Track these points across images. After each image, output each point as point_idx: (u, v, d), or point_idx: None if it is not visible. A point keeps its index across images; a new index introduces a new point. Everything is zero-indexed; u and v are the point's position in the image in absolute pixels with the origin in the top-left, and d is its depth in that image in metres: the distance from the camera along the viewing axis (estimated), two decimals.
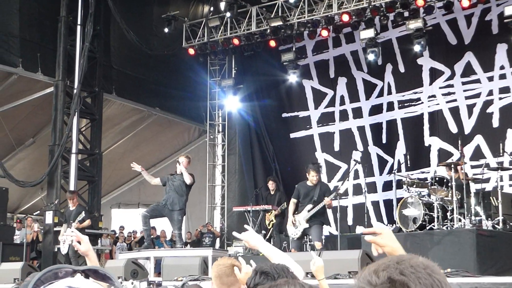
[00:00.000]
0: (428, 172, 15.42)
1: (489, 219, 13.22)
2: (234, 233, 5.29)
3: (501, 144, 15.01)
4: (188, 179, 13.84)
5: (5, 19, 17.94)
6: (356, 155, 19.17)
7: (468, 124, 17.69)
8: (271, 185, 17.95)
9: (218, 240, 21.30)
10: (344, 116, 20.13)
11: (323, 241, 13.56)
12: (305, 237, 13.77)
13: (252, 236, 4.74)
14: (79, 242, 4.43)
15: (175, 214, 13.67)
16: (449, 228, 13.08)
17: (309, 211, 12.94)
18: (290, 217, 13.19)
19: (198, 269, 13.09)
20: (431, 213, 13.50)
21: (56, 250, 16.98)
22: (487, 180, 14.77)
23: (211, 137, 23.43)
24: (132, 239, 21.80)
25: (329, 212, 19.09)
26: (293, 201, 13.40)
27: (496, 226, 13.10)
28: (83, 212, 15.17)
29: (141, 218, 13.94)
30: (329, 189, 13.50)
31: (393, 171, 17.09)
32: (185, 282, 11.18)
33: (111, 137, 21.79)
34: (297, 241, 13.24)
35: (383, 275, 1.57)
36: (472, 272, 10.29)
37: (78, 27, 18.62)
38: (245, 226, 5.04)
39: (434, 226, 13.30)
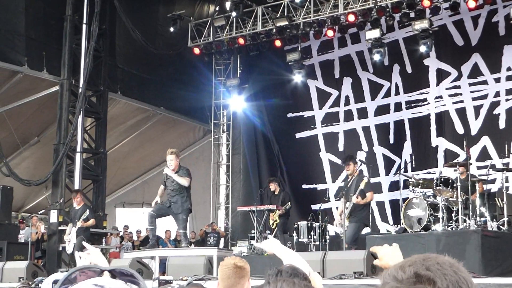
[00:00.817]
0: (435, 173, 15.45)
1: (494, 220, 13.20)
2: (254, 243, 5.25)
3: (506, 145, 14.99)
4: (185, 183, 13.31)
5: (11, 17, 17.97)
6: (361, 155, 19.15)
7: (475, 125, 17.68)
8: (272, 186, 17.94)
9: (222, 239, 21.30)
10: (349, 116, 20.13)
11: (357, 241, 12.85)
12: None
13: (268, 243, 4.68)
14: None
15: (180, 214, 13.59)
16: (454, 229, 13.07)
17: (347, 208, 12.43)
18: (337, 217, 12.67)
19: (203, 268, 13.07)
20: (436, 214, 13.48)
21: (60, 249, 16.99)
22: (493, 181, 14.75)
23: (216, 136, 23.46)
24: (136, 238, 21.78)
25: (334, 212, 19.12)
26: (341, 200, 12.86)
27: (501, 227, 13.08)
28: (88, 210, 15.15)
29: (147, 217, 13.85)
30: (362, 183, 12.83)
31: (397, 172, 17.10)
32: (190, 281, 11.17)
33: (116, 136, 21.80)
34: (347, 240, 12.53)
35: (409, 270, 1.57)
36: (477, 273, 10.27)
37: (84, 26, 18.64)
38: (267, 234, 4.99)
39: (439, 227, 13.29)
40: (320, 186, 20.10)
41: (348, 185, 12.58)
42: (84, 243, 4.67)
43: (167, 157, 13.32)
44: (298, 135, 21.11)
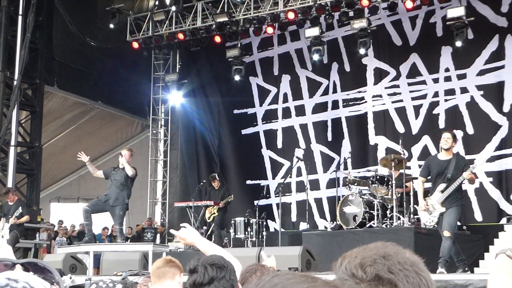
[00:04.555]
0: (376, 171, 15.61)
1: None
2: (172, 231, 5.23)
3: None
4: (129, 171, 13.57)
5: None
6: (299, 153, 19.25)
7: (415, 125, 17.87)
8: (215, 183, 17.99)
9: (158, 235, 21.18)
10: (286, 113, 20.21)
11: (455, 228, 11.30)
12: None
13: (188, 233, 4.68)
14: None
15: (117, 209, 13.52)
16: (388, 226, 13.27)
17: (442, 191, 10.71)
18: (421, 202, 10.87)
19: (138, 264, 13.01)
20: (371, 211, 13.69)
21: None
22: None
23: (154, 131, 23.30)
24: (70, 233, 21.50)
25: (274, 208, 19.17)
26: (421, 180, 11.11)
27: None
28: (21, 207, 14.93)
29: (82, 213, 13.74)
30: (467, 163, 10.93)
31: (334, 169, 17.23)
32: (124, 276, 11.06)
33: (52, 130, 21.45)
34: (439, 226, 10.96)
35: (370, 271, 1.52)
36: None
37: (20, 17, 18.26)
38: (182, 224, 4.97)
39: (373, 223, 13.49)
40: (263, 182, 20.14)
41: (446, 164, 10.79)
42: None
43: (121, 151, 14.05)
44: (243, 132, 21.10)
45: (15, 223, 14.65)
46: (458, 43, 16.54)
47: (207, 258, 3.71)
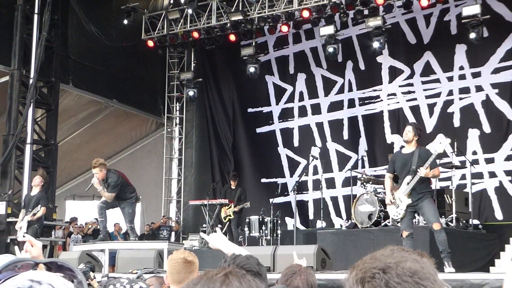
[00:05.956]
0: None
1: (443, 216, 13.40)
2: (201, 234, 5.32)
3: (455, 143, 15.16)
4: (109, 198, 13.31)
5: None
6: (315, 151, 19.27)
7: (430, 123, 17.78)
8: (233, 183, 18.02)
9: (173, 233, 21.24)
10: (303, 112, 20.21)
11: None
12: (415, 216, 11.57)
13: (214, 237, 4.71)
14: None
15: (126, 208, 13.59)
16: None
17: (408, 183, 10.78)
18: (388, 196, 11.01)
19: (153, 262, 13.06)
20: (386, 210, 13.64)
21: (8, 241, 16.75)
22: (448, 179, 14.83)
23: (169, 130, 23.36)
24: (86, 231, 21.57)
25: (293, 206, 19.18)
26: (388, 176, 11.28)
27: (449, 223, 13.32)
28: (39, 206, 14.83)
29: (97, 209, 13.78)
30: (430, 154, 11.10)
31: (349, 168, 17.19)
32: (140, 274, 11.10)
33: (67, 128, 21.53)
34: (403, 222, 10.99)
35: None
36: None
37: (35, 16, 18.34)
38: (216, 228, 5.08)
39: (388, 222, 13.46)
40: (279, 180, 20.09)
41: (409, 158, 11.00)
42: (29, 236, 4.55)
43: (92, 170, 13.44)
44: (258, 130, 21.12)
45: (32, 220, 14.66)
46: (473, 41, 16.46)
47: (244, 262, 3.67)
